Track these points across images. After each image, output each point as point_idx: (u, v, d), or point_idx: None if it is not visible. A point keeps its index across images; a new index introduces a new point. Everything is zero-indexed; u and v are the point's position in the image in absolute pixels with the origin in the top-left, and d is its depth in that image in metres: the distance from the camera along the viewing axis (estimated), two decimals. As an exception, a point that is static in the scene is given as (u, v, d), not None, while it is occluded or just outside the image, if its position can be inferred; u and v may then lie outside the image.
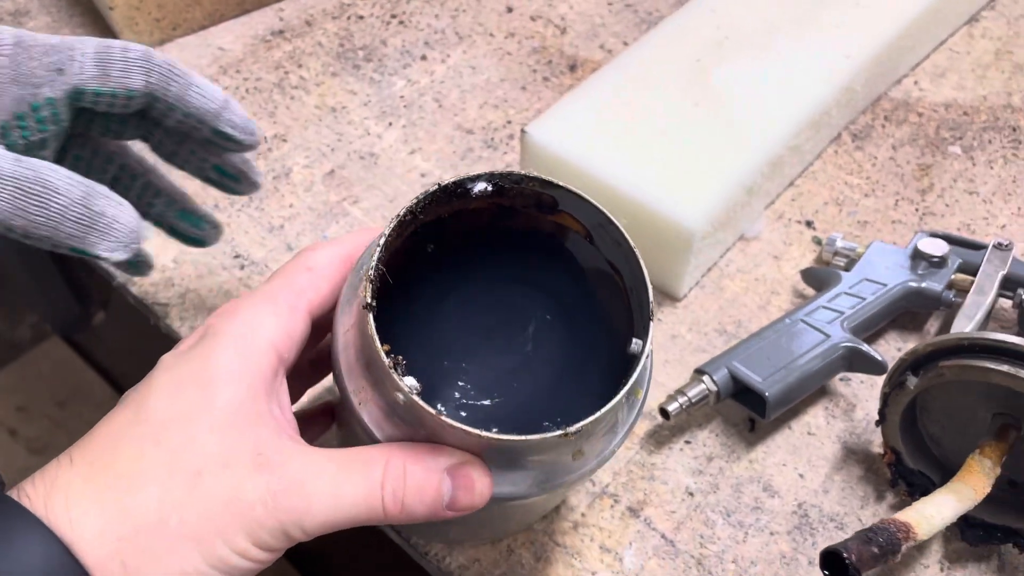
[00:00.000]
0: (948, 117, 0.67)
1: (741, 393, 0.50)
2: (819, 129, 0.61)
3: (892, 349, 0.55)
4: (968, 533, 0.46)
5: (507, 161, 0.64)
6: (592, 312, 0.42)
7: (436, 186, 0.34)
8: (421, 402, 0.31)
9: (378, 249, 0.33)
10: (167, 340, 0.56)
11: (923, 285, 0.53)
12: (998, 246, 0.53)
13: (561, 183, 0.36)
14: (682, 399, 0.48)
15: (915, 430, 0.47)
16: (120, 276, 0.57)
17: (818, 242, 0.59)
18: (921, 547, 0.47)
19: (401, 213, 0.34)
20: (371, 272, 0.33)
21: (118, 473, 0.31)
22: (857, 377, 0.53)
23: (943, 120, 0.67)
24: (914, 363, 0.45)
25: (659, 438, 0.51)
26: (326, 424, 0.45)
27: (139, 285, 0.57)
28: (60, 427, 1.36)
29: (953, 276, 0.53)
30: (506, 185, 0.36)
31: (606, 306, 0.41)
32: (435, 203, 0.35)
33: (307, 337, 0.36)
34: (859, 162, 0.65)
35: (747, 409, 0.50)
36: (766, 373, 0.49)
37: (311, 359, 0.41)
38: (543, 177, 0.35)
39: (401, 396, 0.31)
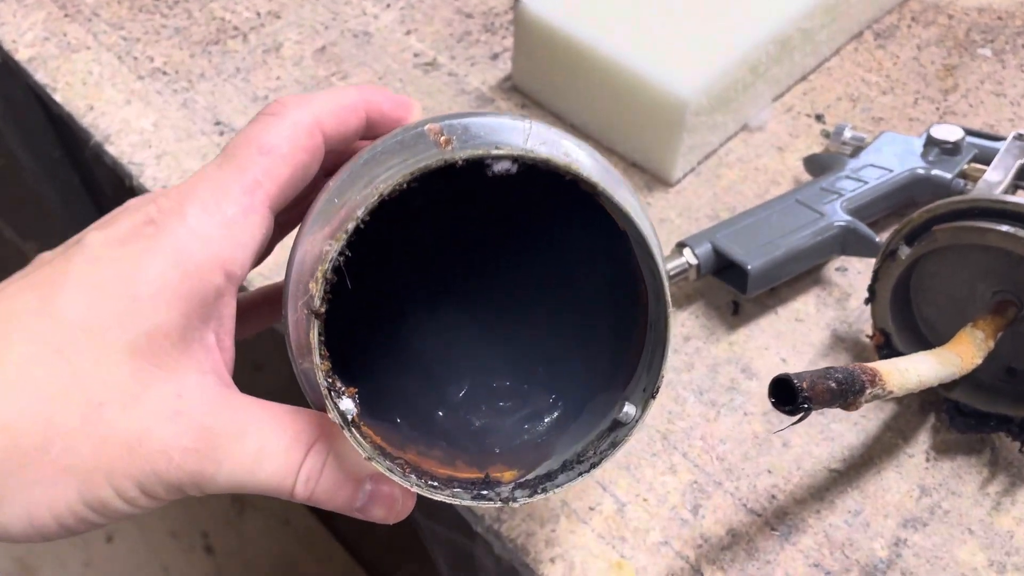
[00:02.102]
0: (980, 20, 0.63)
1: (724, 270, 0.47)
2: (835, 17, 0.58)
3: (895, 242, 0.51)
4: (958, 420, 0.42)
5: (505, 45, 0.61)
6: (602, 269, 0.35)
7: (442, 161, 0.26)
8: (352, 437, 0.27)
9: (344, 236, 0.26)
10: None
11: (932, 172, 0.49)
12: (1019, 136, 0.49)
13: (607, 190, 0.27)
14: (659, 269, 0.45)
15: (908, 312, 0.44)
16: (98, 135, 0.56)
17: (827, 135, 0.56)
18: (905, 436, 0.43)
19: (385, 191, 0.26)
20: (327, 269, 0.26)
21: (3, 376, 0.26)
22: (854, 267, 0.50)
23: (975, 23, 0.63)
24: (909, 233, 0.41)
25: (635, 315, 0.48)
26: (271, 317, 0.38)
27: (116, 145, 0.56)
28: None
29: (966, 166, 0.50)
30: (537, 165, 0.27)
31: (620, 265, 0.32)
32: (434, 174, 0.27)
33: (268, 237, 0.30)
34: (880, 60, 0.61)
35: (730, 288, 0.47)
36: (750, 247, 0.45)
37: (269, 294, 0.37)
38: (584, 176, 0.27)
39: (333, 418, 0.27)
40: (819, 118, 0.57)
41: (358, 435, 0.27)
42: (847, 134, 0.53)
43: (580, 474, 0.30)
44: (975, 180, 0.49)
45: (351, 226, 0.26)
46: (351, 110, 0.32)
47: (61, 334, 0.26)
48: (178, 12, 0.63)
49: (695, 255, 0.46)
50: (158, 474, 0.27)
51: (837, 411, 0.44)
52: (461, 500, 0.29)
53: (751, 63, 0.52)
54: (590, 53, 0.52)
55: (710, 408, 0.44)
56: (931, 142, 0.50)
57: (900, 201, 0.50)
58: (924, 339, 0.44)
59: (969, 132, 0.51)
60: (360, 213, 0.26)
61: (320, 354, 0.27)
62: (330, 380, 0.27)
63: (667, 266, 0.46)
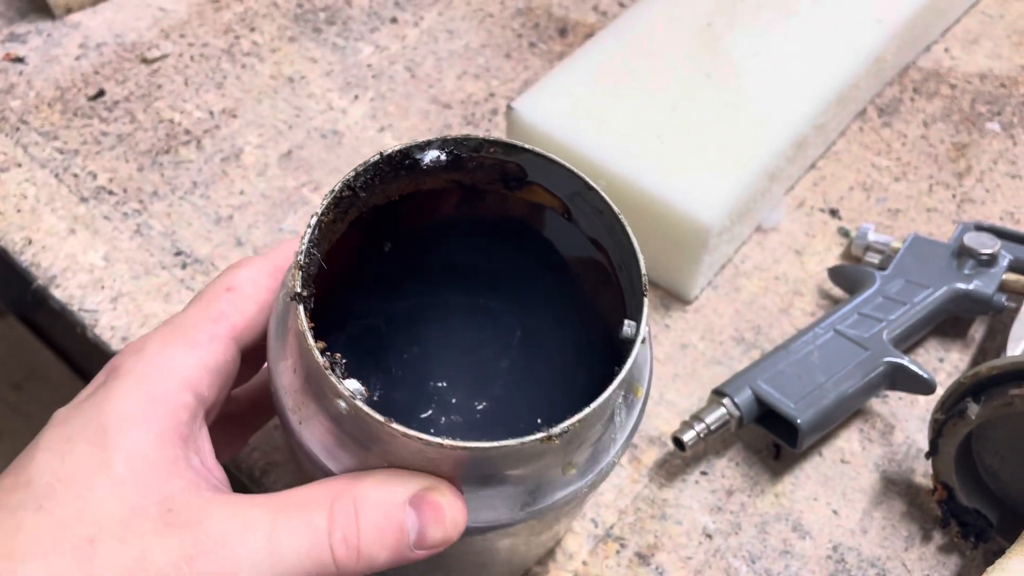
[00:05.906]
0: (984, 90, 0.60)
1: (767, 417, 0.43)
2: (846, 104, 0.54)
3: (933, 360, 0.48)
4: None
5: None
6: (580, 306, 0.37)
7: (378, 156, 0.29)
8: (366, 408, 0.25)
9: (308, 231, 0.28)
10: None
11: (971, 287, 0.46)
12: (1055, 243, 0.46)
13: (527, 146, 0.31)
14: (699, 427, 0.41)
15: (968, 461, 0.41)
16: (40, 276, 0.49)
17: (845, 234, 0.52)
18: (977, 599, 0.40)
19: (336, 188, 0.29)
20: (301, 257, 0.27)
21: None
22: (895, 392, 0.47)
23: (978, 93, 0.60)
24: (975, 387, 0.38)
25: (671, 469, 0.44)
26: (261, 415, 0.36)
27: (63, 288, 0.49)
28: (16, 411, 1.27)
29: (1004, 276, 0.47)
30: (463, 154, 0.31)
31: (595, 297, 0.35)
32: (379, 178, 0.30)
33: (235, 369, 0.30)
34: (887, 141, 0.57)
35: (773, 435, 0.43)
36: (797, 395, 0.42)
37: (253, 399, 0.34)
38: (506, 140, 0.31)
39: (343, 403, 0.25)
40: (834, 213, 0.54)
41: (372, 410, 0.25)
42: (871, 237, 0.50)
43: (608, 391, 0.26)
44: (1016, 292, 0.46)
45: (313, 220, 0.28)
46: None
47: (38, 495, 0.25)
48: (119, 115, 0.56)
49: (736, 405, 0.42)
50: None
51: (899, 570, 0.41)
52: (501, 443, 0.25)
53: (770, 171, 0.48)
54: (593, 168, 0.47)
55: (765, 579, 0.41)
56: (965, 252, 0.47)
57: (940, 316, 0.47)
58: (987, 489, 0.41)
59: (1000, 234, 0.48)
60: (320, 209, 0.28)
61: (312, 337, 0.26)
62: (327, 357, 0.26)
63: (707, 419, 0.42)
